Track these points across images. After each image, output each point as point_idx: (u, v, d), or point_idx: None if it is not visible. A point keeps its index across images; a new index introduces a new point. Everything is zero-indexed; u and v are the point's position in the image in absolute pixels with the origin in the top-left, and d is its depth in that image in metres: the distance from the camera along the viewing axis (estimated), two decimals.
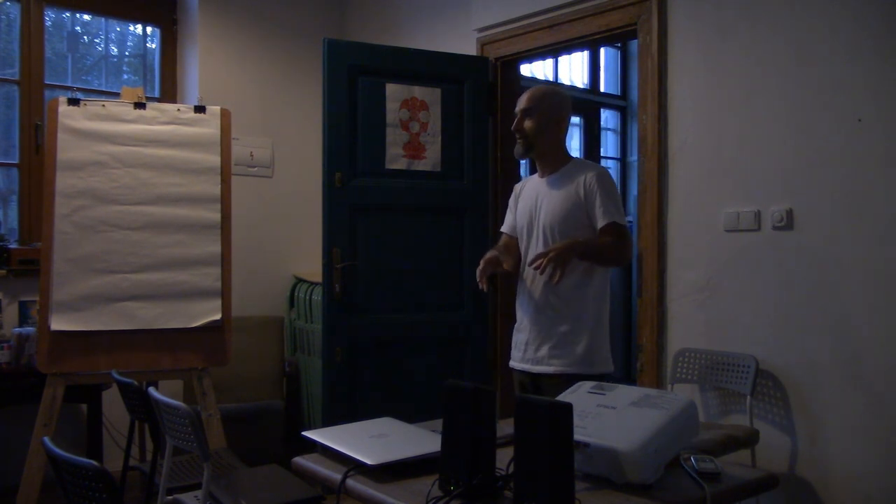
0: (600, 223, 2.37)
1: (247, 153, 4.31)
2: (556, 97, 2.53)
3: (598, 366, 2.39)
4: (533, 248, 2.49)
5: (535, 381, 2.48)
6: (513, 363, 2.59)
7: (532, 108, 2.47)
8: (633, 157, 5.86)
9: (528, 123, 2.47)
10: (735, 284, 2.87)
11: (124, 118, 3.36)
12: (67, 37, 4.20)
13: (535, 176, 2.60)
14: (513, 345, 2.60)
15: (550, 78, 5.85)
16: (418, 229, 3.63)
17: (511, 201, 2.68)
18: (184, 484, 2.53)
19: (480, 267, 2.43)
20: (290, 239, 4.46)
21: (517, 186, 2.70)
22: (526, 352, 2.50)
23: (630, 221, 5.31)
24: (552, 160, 2.51)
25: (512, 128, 2.52)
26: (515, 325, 2.60)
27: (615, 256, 2.43)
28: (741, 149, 2.86)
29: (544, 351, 2.43)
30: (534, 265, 2.26)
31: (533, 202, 2.52)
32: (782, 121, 2.74)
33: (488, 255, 2.47)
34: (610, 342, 2.49)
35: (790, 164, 2.72)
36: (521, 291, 2.56)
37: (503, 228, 2.72)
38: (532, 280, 2.49)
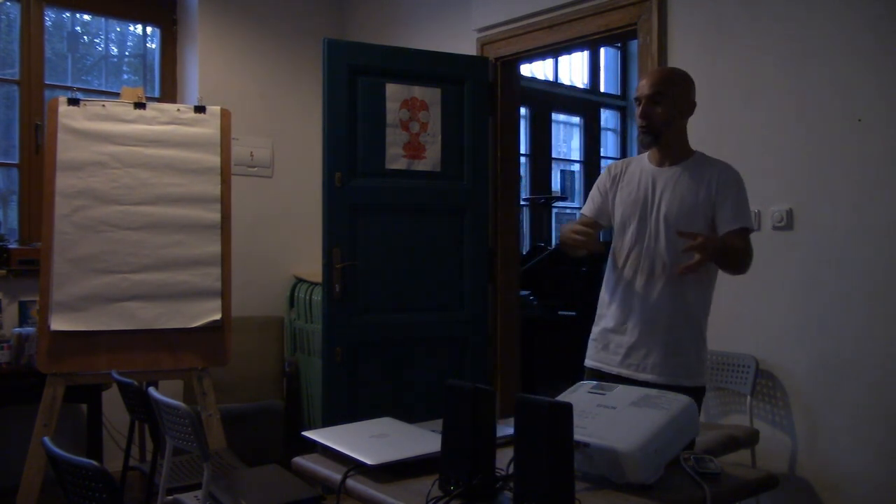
0: (730, 226, 2.14)
1: (247, 153, 4.31)
2: (687, 81, 2.29)
3: (697, 378, 2.18)
4: (647, 239, 2.23)
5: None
6: (600, 365, 2.31)
7: (661, 94, 2.21)
8: None
9: (658, 110, 2.21)
10: (735, 284, 2.87)
11: (124, 118, 3.35)
12: (67, 37, 4.20)
13: (644, 161, 2.33)
14: (599, 344, 2.32)
15: (551, 78, 5.85)
16: (418, 229, 3.63)
17: (601, 183, 2.39)
18: (184, 484, 2.53)
19: (576, 235, 2.16)
20: (290, 239, 4.46)
21: (612, 167, 2.42)
22: (629, 356, 2.23)
23: None
24: (677, 149, 2.26)
25: (637, 115, 2.25)
26: (611, 326, 2.30)
27: (741, 266, 2.18)
28: (741, 149, 2.85)
29: (654, 359, 2.18)
30: (685, 248, 2.02)
31: (648, 190, 2.26)
32: (782, 121, 2.75)
33: (578, 227, 2.20)
34: None
35: (790, 164, 2.72)
36: (625, 287, 2.27)
37: (585, 210, 2.44)
38: (648, 275, 2.21)
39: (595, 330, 2.36)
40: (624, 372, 2.23)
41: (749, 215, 2.20)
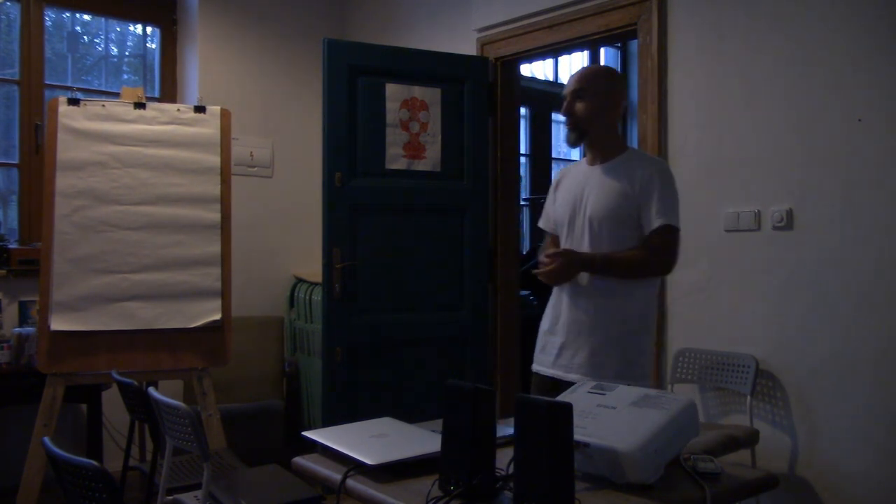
0: (653, 224, 2.13)
1: (247, 153, 4.31)
2: (611, 77, 2.30)
3: (635, 379, 2.11)
4: (574, 242, 2.26)
5: (558, 389, 2.19)
6: (538, 367, 2.34)
7: (584, 90, 2.22)
8: None
9: (579, 106, 2.22)
10: (735, 284, 2.87)
11: (124, 118, 3.35)
12: (67, 37, 4.20)
13: (582, 163, 2.36)
14: (539, 347, 2.35)
15: (550, 78, 5.85)
16: (418, 229, 3.63)
17: (550, 192, 2.43)
18: (184, 484, 2.53)
19: (546, 268, 2.18)
20: (290, 239, 4.46)
21: (558, 174, 2.45)
22: (559, 357, 2.25)
23: None
24: (605, 147, 2.26)
25: (562, 111, 2.27)
26: (546, 327, 2.34)
27: (648, 271, 2.19)
28: (741, 149, 2.86)
29: (580, 359, 2.19)
30: (541, 268, 2.11)
31: (579, 192, 2.27)
32: (782, 120, 2.74)
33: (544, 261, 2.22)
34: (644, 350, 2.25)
35: (790, 164, 2.72)
36: (558, 289, 2.30)
37: (542, 224, 2.47)
38: (574, 279, 2.23)
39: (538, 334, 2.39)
40: (556, 373, 2.25)
41: (673, 212, 2.16)
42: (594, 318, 2.19)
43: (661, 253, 2.16)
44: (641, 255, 2.15)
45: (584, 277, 2.20)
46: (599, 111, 2.22)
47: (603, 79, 2.27)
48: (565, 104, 2.26)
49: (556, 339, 2.27)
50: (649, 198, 2.14)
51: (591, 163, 2.30)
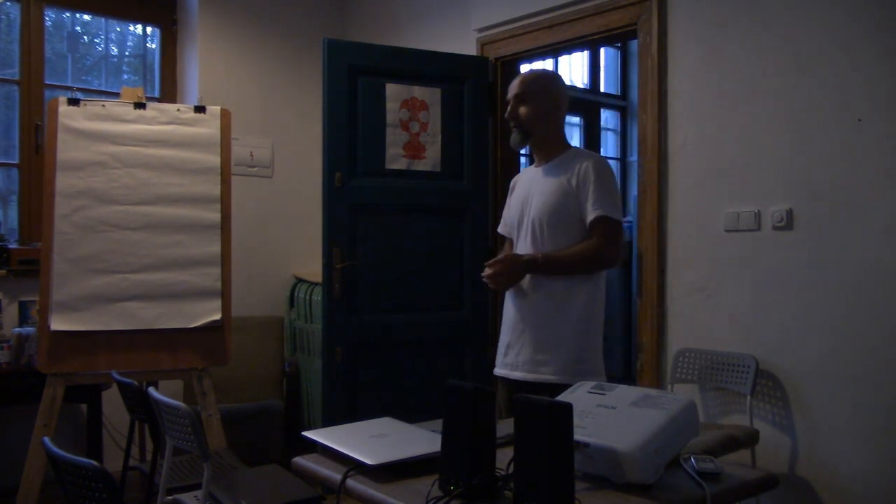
0: (590, 216, 2.17)
1: (247, 153, 4.31)
2: (551, 80, 2.37)
3: (582, 376, 2.09)
4: (521, 244, 2.31)
5: (512, 390, 2.22)
6: (497, 369, 2.39)
7: (526, 93, 2.28)
8: (633, 157, 5.86)
9: (522, 110, 2.29)
10: (735, 284, 2.87)
11: (124, 118, 3.35)
12: (67, 37, 4.20)
13: (532, 167, 2.43)
14: (498, 348, 2.41)
15: None
16: (418, 229, 3.63)
17: (507, 197, 2.51)
18: (184, 484, 2.53)
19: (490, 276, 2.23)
20: (290, 239, 4.46)
21: (512, 181, 2.53)
22: (506, 356, 2.29)
23: (629, 221, 5.30)
24: (549, 148, 2.32)
25: (506, 115, 2.34)
26: (502, 328, 2.39)
27: (591, 266, 2.21)
28: (741, 149, 2.86)
29: (524, 356, 2.24)
30: (483, 274, 2.16)
31: (526, 194, 2.34)
32: (782, 121, 2.74)
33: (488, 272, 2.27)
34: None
35: (790, 164, 2.72)
36: (508, 293, 2.35)
37: (500, 230, 2.53)
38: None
39: None
40: (501, 371, 2.31)
41: (611, 203, 2.19)
42: (535, 317, 2.23)
43: (601, 246, 2.19)
44: (582, 249, 2.19)
45: (525, 279, 2.24)
46: (542, 113, 2.30)
47: (544, 82, 2.34)
48: (509, 108, 2.32)
49: (504, 338, 2.33)
50: (586, 191, 2.19)
51: (537, 164, 2.37)
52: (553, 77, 2.40)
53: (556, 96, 2.32)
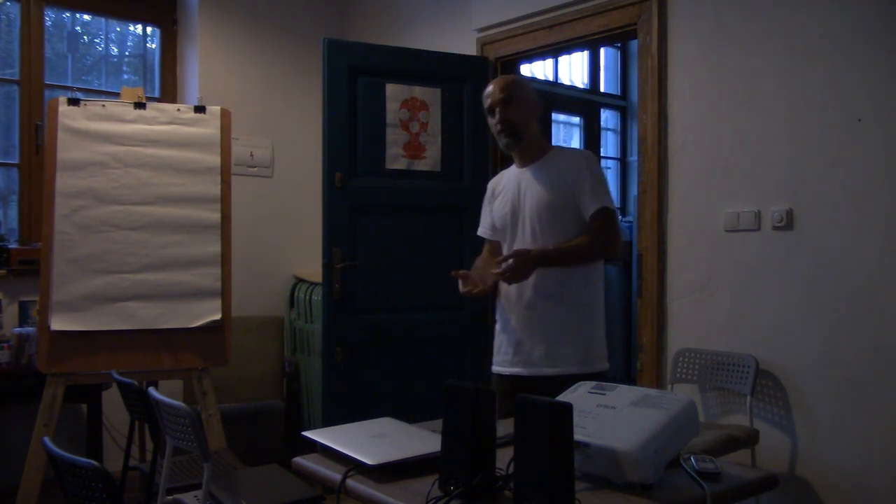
0: (591, 209, 2.24)
1: (247, 153, 4.31)
2: (527, 82, 2.46)
3: (596, 364, 2.26)
4: (520, 240, 2.34)
5: (520, 387, 2.15)
6: (498, 368, 2.38)
7: (511, 97, 2.32)
8: (633, 157, 5.86)
9: (512, 112, 2.31)
10: (735, 284, 2.87)
11: (124, 118, 3.35)
12: (67, 37, 4.20)
13: (512, 168, 2.46)
14: (495, 348, 2.40)
15: (551, 78, 5.85)
16: (418, 229, 3.63)
17: (485, 202, 2.52)
18: (184, 484, 2.53)
19: (463, 287, 2.29)
20: (290, 239, 4.46)
21: (492, 181, 2.54)
22: (517, 354, 2.30)
23: (630, 221, 5.31)
24: (536, 148, 2.37)
25: (495, 122, 2.34)
26: (499, 328, 2.39)
27: (596, 255, 2.30)
28: (741, 149, 2.86)
29: (539, 352, 2.26)
30: (495, 272, 2.15)
31: (515, 194, 2.37)
32: (782, 121, 2.74)
33: (472, 273, 2.33)
34: (609, 341, 2.35)
35: (790, 164, 2.72)
36: (507, 290, 2.34)
37: (481, 232, 2.54)
38: None
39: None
40: (515, 370, 2.32)
41: (606, 194, 2.28)
42: (542, 311, 2.27)
43: (604, 235, 2.26)
44: (588, 239, 2.26)
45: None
46: (528, 115, 2.35)
47: (523, 84, 2.41)
48: (499, 114, 2.34)
49: (511, 337, 2.34)
50: (582, 186, 2.26)
51: (522, 165, 2.41)
52: (524, 80, 2.48)
53: (534, 97, 2.40)
